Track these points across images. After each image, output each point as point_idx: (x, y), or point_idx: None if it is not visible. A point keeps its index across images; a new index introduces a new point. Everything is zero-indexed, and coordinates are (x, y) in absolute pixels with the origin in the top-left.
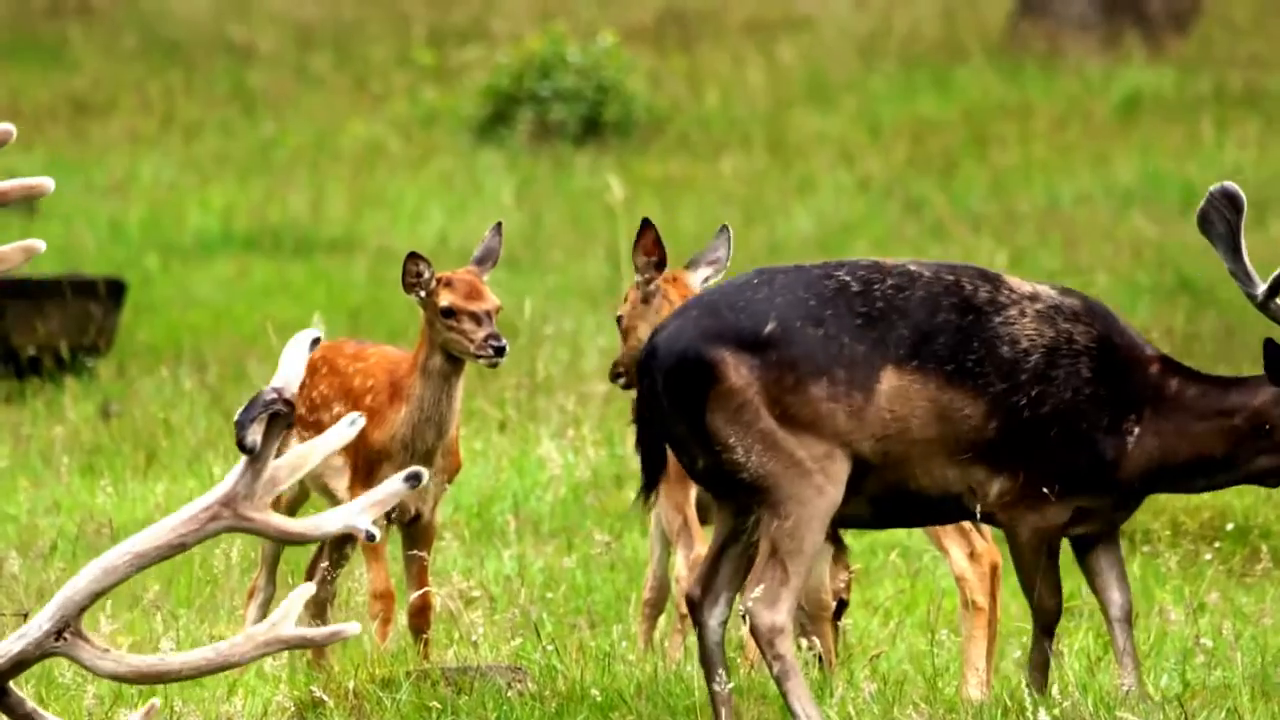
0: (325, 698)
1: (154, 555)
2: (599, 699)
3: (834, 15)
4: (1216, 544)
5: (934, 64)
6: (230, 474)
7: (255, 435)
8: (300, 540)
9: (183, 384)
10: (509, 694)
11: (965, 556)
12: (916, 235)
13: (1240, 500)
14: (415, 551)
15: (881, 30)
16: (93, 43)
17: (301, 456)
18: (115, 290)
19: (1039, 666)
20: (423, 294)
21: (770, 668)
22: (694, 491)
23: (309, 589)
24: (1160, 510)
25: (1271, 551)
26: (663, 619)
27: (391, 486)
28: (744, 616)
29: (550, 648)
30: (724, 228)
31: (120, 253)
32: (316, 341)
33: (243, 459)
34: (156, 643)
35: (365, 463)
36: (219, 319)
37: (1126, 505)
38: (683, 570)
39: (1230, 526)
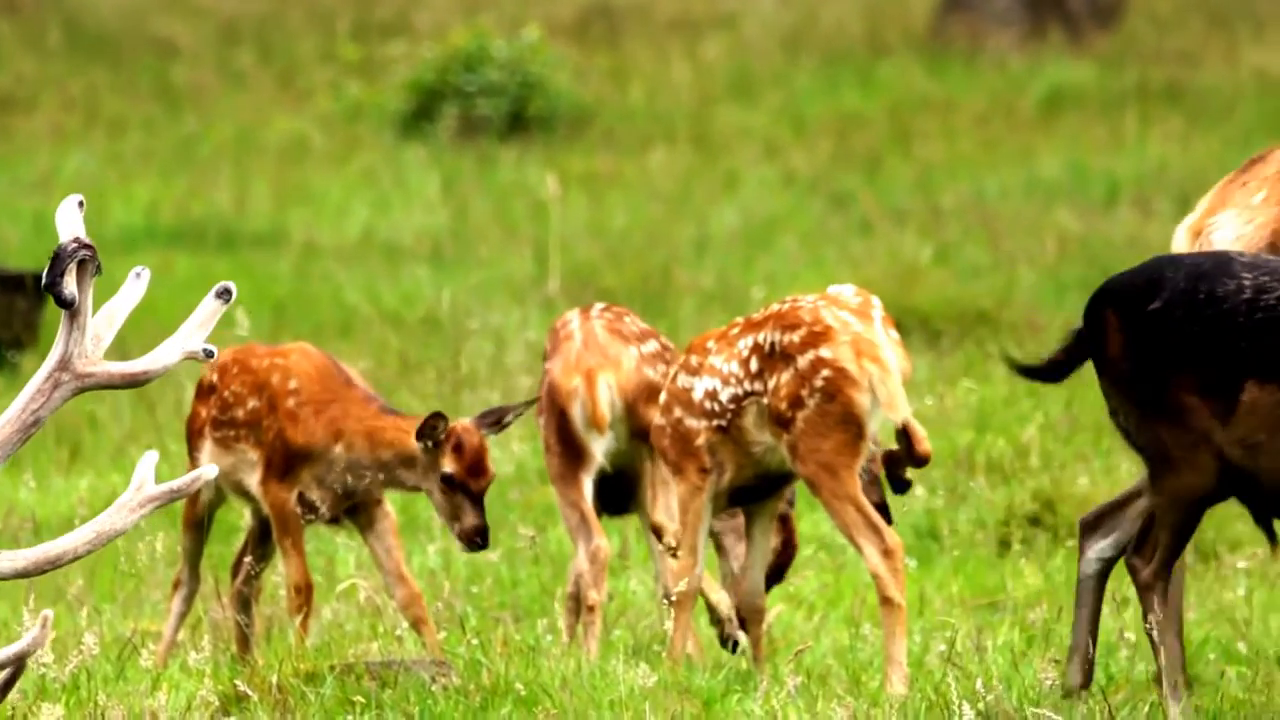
0: (249, 692)
1: (13, 440)
2: (523, 693)
3: (758, 11)
4: None
5: (858, 59)
6: (56, 340)
7: (70, 288)
8: (144, 378)
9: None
10: (433, 688)
11: (878, 553)
12: (841, 230)
13: None
14: (384, 543)
15: (805, 25)
16: (16, 38)
17: (113, 312)
18: (40, 285)
19: None
20: (430, 444)
21: (1144, 614)
22: (589, 485)
23: (154, 455)
24: (1084, 505)
25: (1194, 546)
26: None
27: (209, 306)
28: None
29: (474, 641)
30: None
31: (45, 248)
32: (81, 204)
33: (63, 322)
34: (80, 637)
35: (283, 461)
36: (143, 313)
37: None
38: (584, 564)
39: None
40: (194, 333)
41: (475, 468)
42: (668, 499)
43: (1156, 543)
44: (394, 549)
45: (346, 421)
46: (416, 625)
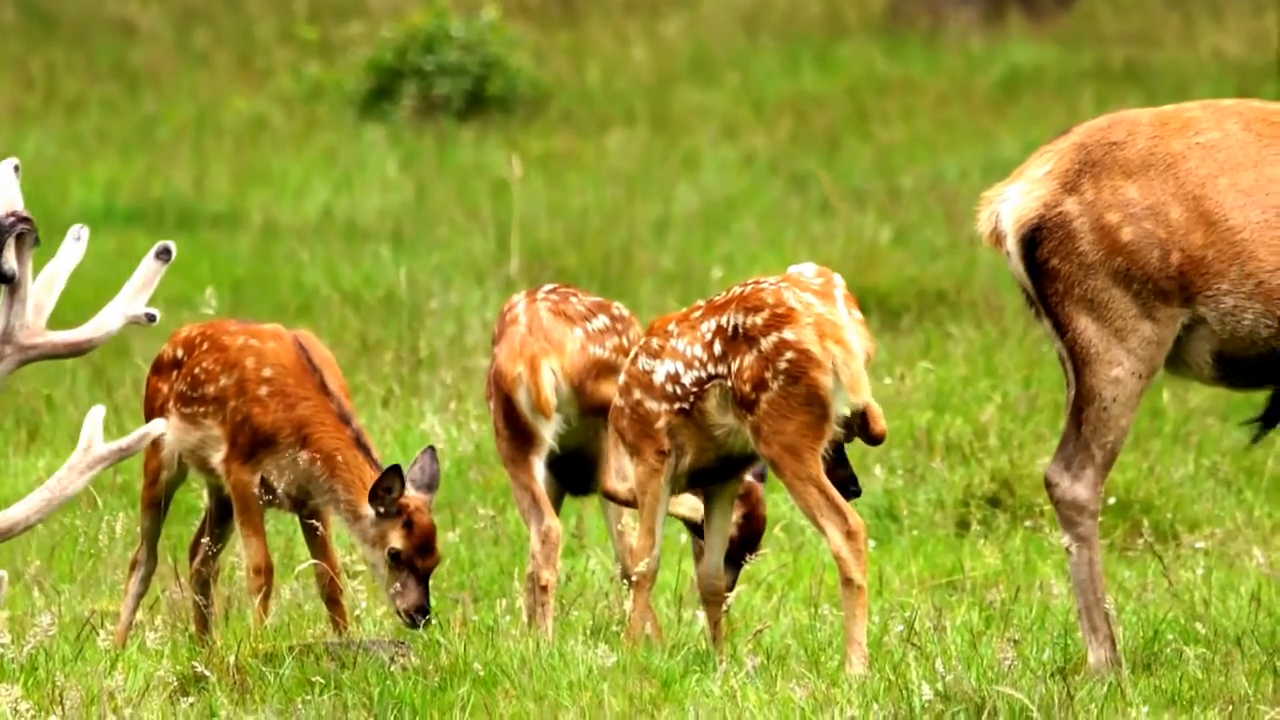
0: (207, 673)
1: None
2: (481, 673)
3: None
4: (1098, 518)
5: (817, 39)
6: None
7: (10, 262)
8: (88, 346)
9: (65, 360)
10: (392, 668)
11: (841, 535)
12: (801, 210)
13: (1121, 475)
14: (312, 522)
15: (764, 6)
16: None
17: (51, 277)
18: None
19: None
20: (381, 510)
21: None
22: (540, 468)
23: (101, 409)
24: (1041, 484)
25: (1152, 526)
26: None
27: (148, 266)
28: None
29: (433, 622)
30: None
31: None
32: (17, 169)
33: (3, 296)
34: (38, 617)
35: (248, 444)
36: (102, 294)
37: None
38: (536, 545)
39: (1111, 501)
40: (135, 297)
41: (424, 548)
42: (619, 463)
43: None
44: (327, 522)
45: (314, 431)
46: (330, 601)
